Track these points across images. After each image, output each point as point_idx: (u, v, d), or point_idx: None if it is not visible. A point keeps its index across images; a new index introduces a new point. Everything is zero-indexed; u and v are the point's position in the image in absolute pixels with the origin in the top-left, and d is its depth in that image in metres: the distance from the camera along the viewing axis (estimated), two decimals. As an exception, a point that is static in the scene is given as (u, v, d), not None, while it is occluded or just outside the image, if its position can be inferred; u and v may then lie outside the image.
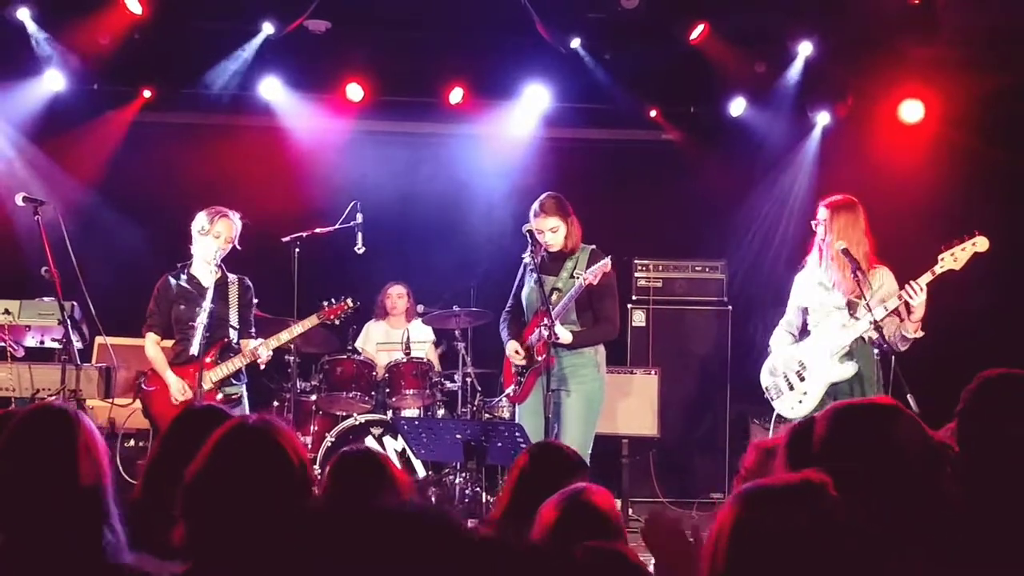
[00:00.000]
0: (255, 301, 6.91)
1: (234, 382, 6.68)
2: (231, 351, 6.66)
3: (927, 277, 5.88)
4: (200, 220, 6.65)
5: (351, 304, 6.98)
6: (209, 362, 6.52)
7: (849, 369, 6.10)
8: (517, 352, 6.46)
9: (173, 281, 6.69)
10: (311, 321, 6.86)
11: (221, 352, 6.62)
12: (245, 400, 6.78)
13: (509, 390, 6.64)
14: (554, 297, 6.30)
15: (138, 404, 6.76)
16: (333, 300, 6.96)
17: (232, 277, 6.80)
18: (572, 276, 6.34)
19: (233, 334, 6.70)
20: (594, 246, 6.47)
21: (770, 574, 2.00)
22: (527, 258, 6.46)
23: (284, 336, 6.73)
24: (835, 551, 2.00)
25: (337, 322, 7.05)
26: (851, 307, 6.13)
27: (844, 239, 6.05)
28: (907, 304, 5.87)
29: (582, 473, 3.61)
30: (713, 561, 2.06)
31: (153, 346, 6.69)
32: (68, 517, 2.64)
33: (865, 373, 6.10)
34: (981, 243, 5.91)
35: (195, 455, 3.06)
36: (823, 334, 6.21)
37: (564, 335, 6.24)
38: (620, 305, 6.88)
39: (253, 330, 6.84)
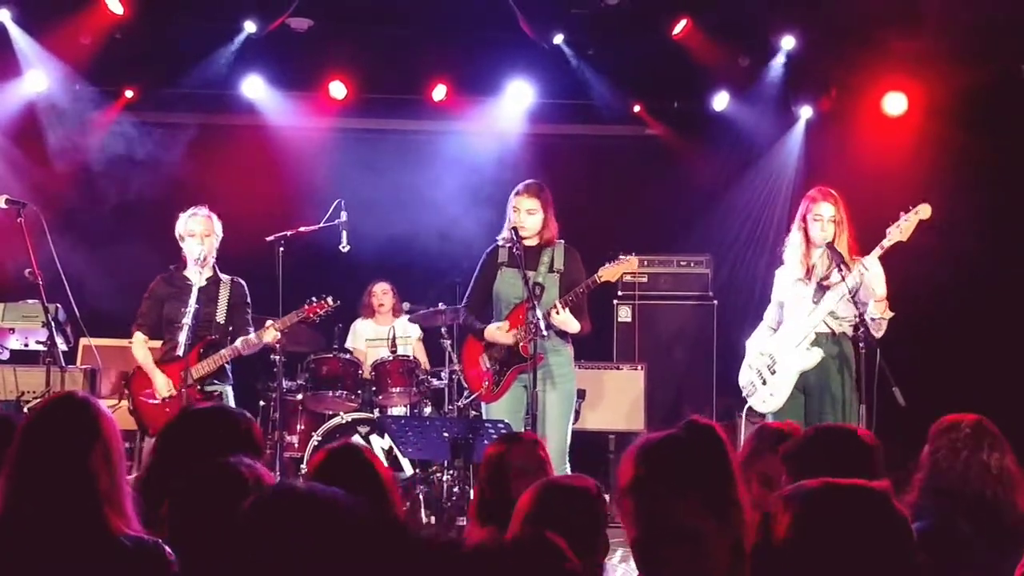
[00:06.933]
0: (249, 302, 6.86)
1: (215, 381, 6.64)
2: (214, 349, 6.64)
3: (876, 252, 5.89)
4: (177, 225, 6.68)
5: (331, 303, 6.91)
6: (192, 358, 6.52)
7: (814, 357, 6.05)
8: (505, 331, 6.26)
9: (164, 281, 6.72)
10: (290, 318, 6.80)
11: (204, 350, 6.60)
12: (231, 399, 6.74)
13: (483, 388, 6.43)
14: (536, 291, 6.23)
15: (124, 404, 6.72)
16: (315, 298, 6.92)
17: (224, 278, 6.80)
18: (551, 271, 6.30)
19: (219, 334, 6.68)
20: (563, 241, 6.42)
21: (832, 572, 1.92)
22: (501, 241, 6.34)
23: (266, 336, 6.65)
24: (900, 556, 1.93)
25: (317, 320, 6.99)
26: (816, 295, 6.11)
27: (838, 233, 6.06)
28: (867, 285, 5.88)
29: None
30: (763, 560, 1.99)
31: (141, 345, 6.69)
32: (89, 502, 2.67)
33: (839, 367, 6.06)
34: (924, 211, 5.90)
35: (194, 456, 3.05)
36: (791, 324, 6.20)
37: (572, 323, 6.13)
38: (606, 301, 6.85)
39: (251, 329, 6.75)
